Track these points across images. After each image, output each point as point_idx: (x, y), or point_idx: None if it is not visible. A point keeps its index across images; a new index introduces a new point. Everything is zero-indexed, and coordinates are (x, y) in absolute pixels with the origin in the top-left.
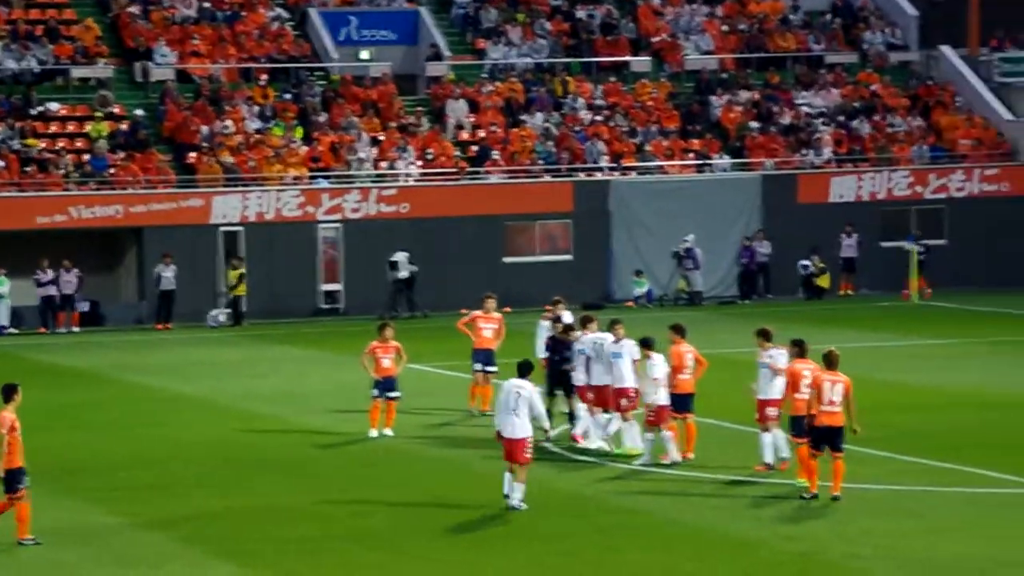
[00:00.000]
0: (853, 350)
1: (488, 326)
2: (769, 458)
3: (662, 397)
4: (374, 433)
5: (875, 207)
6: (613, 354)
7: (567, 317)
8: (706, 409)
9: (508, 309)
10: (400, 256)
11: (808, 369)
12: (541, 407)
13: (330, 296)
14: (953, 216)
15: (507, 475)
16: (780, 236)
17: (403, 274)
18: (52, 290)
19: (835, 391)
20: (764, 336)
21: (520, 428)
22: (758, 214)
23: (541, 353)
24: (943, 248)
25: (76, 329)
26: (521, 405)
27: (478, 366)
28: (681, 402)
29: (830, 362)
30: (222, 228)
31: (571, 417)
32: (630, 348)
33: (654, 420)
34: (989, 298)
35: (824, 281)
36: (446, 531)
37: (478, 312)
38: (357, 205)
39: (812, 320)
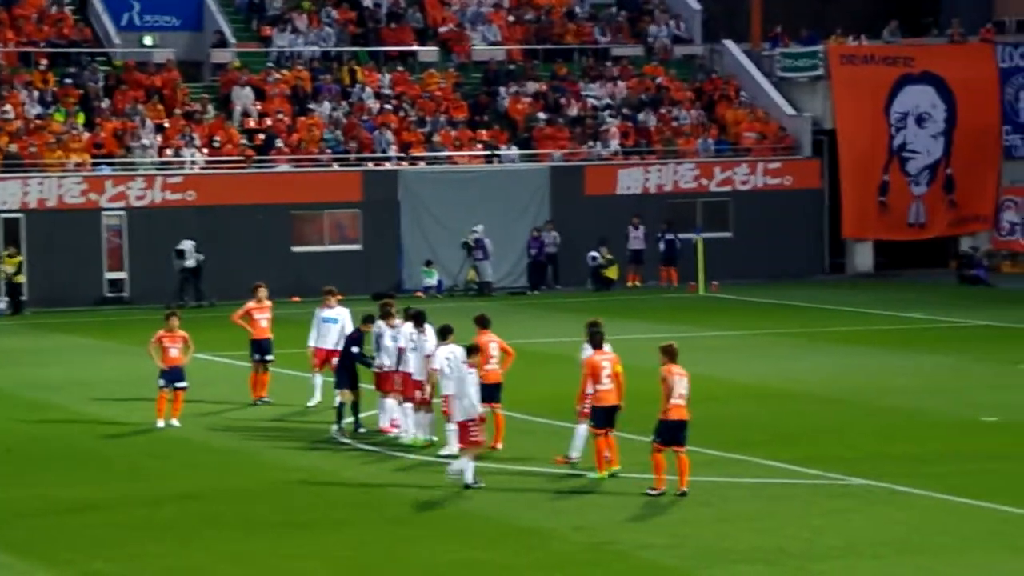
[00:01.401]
0: (641, 341)
1: (262, 316)
2: (575, 452)
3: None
4: (161, 423)
5: (661, 199)
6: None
7: (338, 308)
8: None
9: (297, 299)
10: (187, 244)
11: (607, 360)
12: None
13: (115, 284)
14: (737, 209)
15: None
16: (568, 227)
17: (190, 263)
18: None
19: (682, 384)
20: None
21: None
22: (546, 205)
23: (312, 342)
24: (728, 240)
25: None
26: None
27: (257, 356)
28: (488, 392)
29: (672, 355)
30: (2, 215)
31: (353, 408)
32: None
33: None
34: (772, 290)
35: (612, 273)
36: (234, 522)
37: (251, 303)
38: (142, 192)
39: (601, 311)
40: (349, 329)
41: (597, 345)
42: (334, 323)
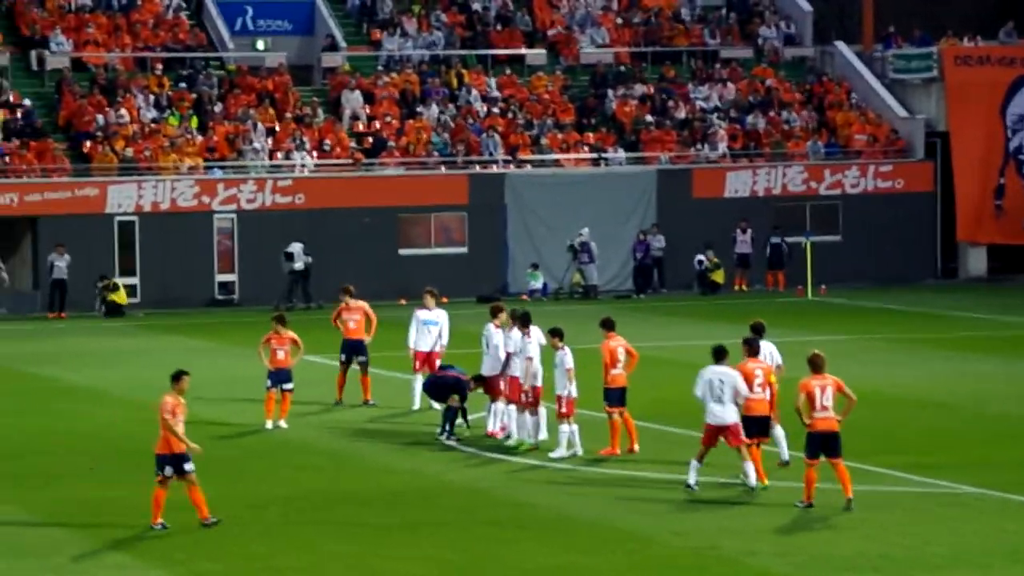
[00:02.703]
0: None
1: (351, 317)
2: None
3: (573, 390)
4: (269, 425)
5: (769, 203)
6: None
7: (437, 310)
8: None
9: (403, 301)
10: (296, 247)
11: (761, 368)
12: (744, 389)
13: (225, 287)
14: (847, 212)
15: (695, 463)
16: (675, 231)
17: (298, 265)
18: None
19: (826, 395)
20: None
21: (730, 414)
22: (653, 208)
23: (412, 344)
24: (837, 244)
25: None
26: (726, 391)
27: (343, 356)
28: (615, 397)
29: (816, 366)
30: (117, 217)
31: (462, 413)
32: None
33: (566, 412)
34: (882, 295)
35: (719, 276)
36: (340, 524)
37: (341, 305)
38: (252, 195)
39: (707, 316)
40: (447, 333)
41: (753, 353)
42: (434, 325)
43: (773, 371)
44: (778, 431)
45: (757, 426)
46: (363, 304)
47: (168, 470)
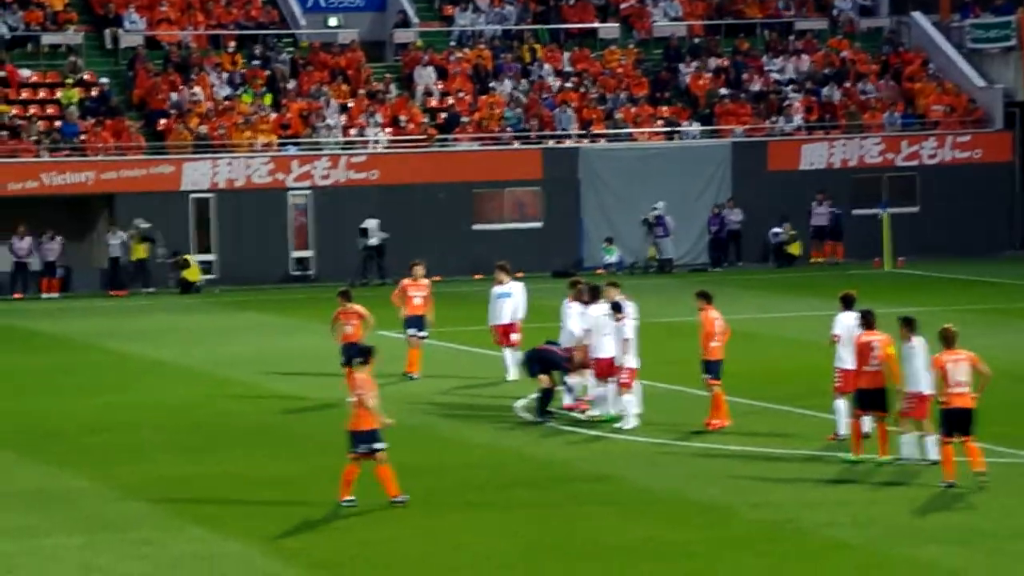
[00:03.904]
0: (824, 318)
1: (417, 293)
2: (841, 428)
3: (630, 360)
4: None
5: (846, 174)
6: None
7: (511, 283)
8: (678, 376)
9: (479, 276)
10: (371, 223)
11: (878, 341)
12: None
13: (301, 263)
14: (925, 183)
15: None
16: (751, 204)
17: (374, 241)
18: (28, 256)
19: (960, 370)
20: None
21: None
22: (728, 182)
23: (491, 319)
24: (914, 215)
25: (55, 295)
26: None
27: (412, 331)
28: (714, 368)
29: (948, 340)
30: (192, 195)
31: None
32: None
33: (627, 383)
34: (960, 266)
35: (795, 249)
36: (417, 499)
37: (407, 280)
38: (327, 172)
39: (784, 288)
40: (522, 302)
41: (869, 326)
42: (508, 297)
43: (891, 343)
44: (839, 404)
45: (874, 399)
46: (427, 282)
47: (362, 448)
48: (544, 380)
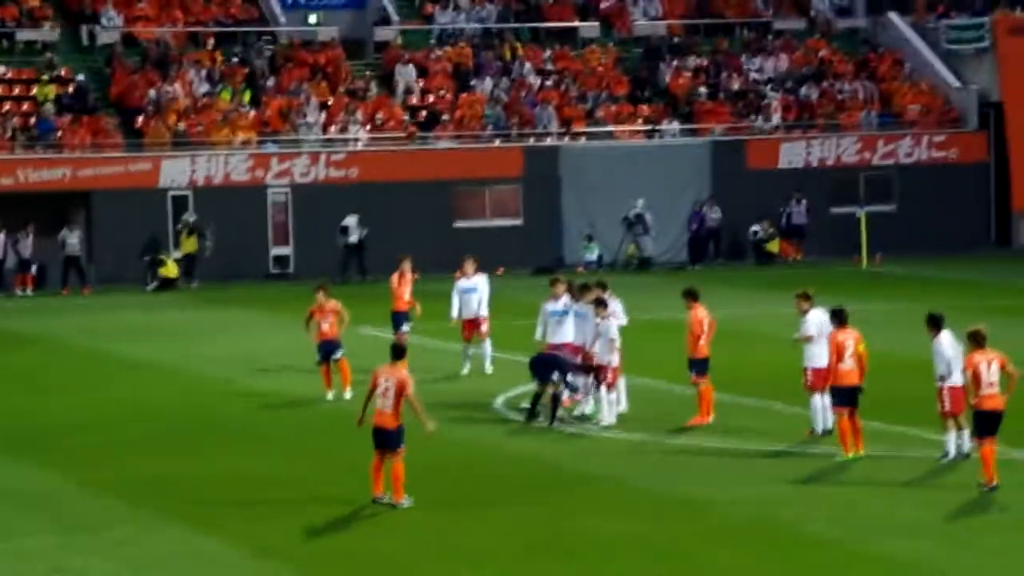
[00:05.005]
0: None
1: (407, 288)
2: (818, 425)
3: (615, 359)
4: (330, 395)
5: (824, 173)
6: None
7: (476, 276)
8: (659, 372)
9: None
10: (351, 220)
11: (851, 339)
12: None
13: (280, 260)
14: (901, 182)
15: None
16: (730, 202)
17: (354, 239)
18: (2, 255)
19: (992, 371)
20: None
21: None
22: (708, 180)
23: (455, 313)
24: (891, 214)
25: (29, 292)
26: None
27: (405, 327)
28: (702, 366)
29: (979, 340)
30: (171, 192)
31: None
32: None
33: (611, 381)
34: (936, 264)
35: (774, 246)
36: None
37: (395, 276)
38: (306, 169)
39: (764, 286)
40: (486, 296)
41: (842, 323)
42: (473, 292)
43: (862, 340)
44: (816, 401)
45: (848, 396)
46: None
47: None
48: (554, 387)
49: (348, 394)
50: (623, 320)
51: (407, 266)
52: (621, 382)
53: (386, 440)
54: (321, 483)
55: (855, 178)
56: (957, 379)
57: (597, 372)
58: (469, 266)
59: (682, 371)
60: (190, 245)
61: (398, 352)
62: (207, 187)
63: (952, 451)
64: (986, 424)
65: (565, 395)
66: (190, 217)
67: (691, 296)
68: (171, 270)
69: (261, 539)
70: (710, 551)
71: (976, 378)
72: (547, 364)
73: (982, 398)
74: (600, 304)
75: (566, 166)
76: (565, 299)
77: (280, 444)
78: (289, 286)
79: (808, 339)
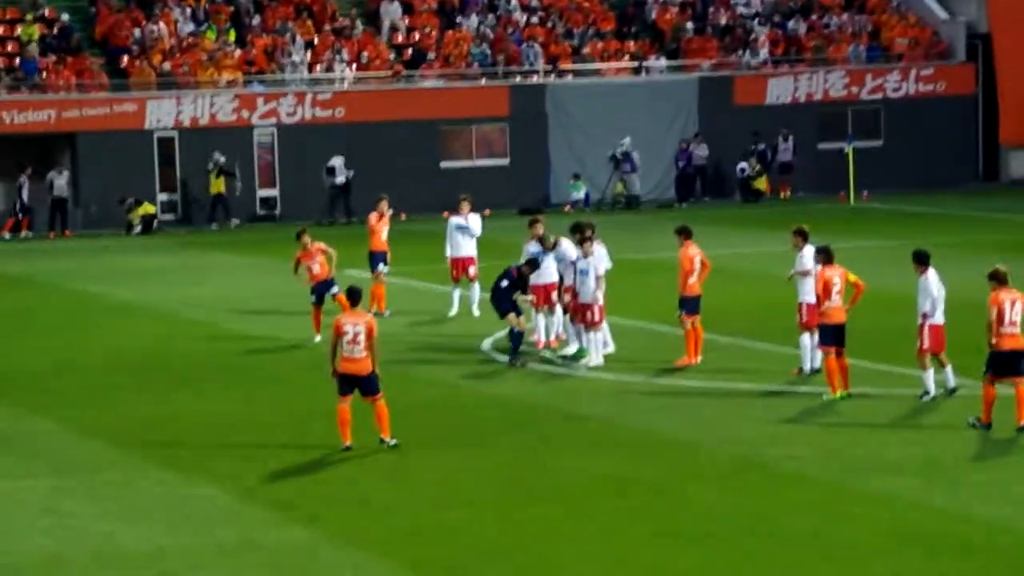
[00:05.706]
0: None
1: (385, 228)
2: (806, 364)
3: (600, 298)
4: (318, 338)
5: (812, 108)
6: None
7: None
8: (641, 311)
9: (447, 214)
10: (337, 161)
11: (838, 275)
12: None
13: (267, 202)
14: (889, 117)
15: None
16: (718, 139)
17: (340, 179)
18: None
19: (1015, 311)
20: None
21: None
22: (695, 117)
23: (448, 252)
24: (879, 149)
25: (7, 236)
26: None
27: (383, 267)
28: (692, 305)
29: (1001, 279)
30: (157, 133)
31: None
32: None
33: (596, 322)
34: (924, 199)
35: (761, 184)
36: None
37: (373, 214)
38: (292, 109)
39: (750, 223)
40: (478, 233)
41: (828, 261)
42: (466, 230)
43: (849, 275)
44: (805, 339)
45: (835, 335)
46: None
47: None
48: (512, 320)
49: (317, 338)
50: (607, 264)
51: (384, 206)
52: (605, 324)
53: (363, 386)
54: (307, 426)
55: (844, 112)
56: (939, 317)
57: (576, 312)
58: (465, 205)
59: (671, 312)
60: (219, 186)
61: (356, 296)
62: (193, 128)
63: (932, 389)
64: (1004, 364)
65: (538, 336)
66: (220, 157)
67: (684, 233)
68: (149, 208)
69: (248, 482)
70: (697, 490)
71: (999, 316)
72: (498, 297)
73: (1002, 337)
74: (585, 241)
75: (553, 104)
76: (535, 244)
77: (267, 387)
78: (276, 228)
79: (806, 273)
